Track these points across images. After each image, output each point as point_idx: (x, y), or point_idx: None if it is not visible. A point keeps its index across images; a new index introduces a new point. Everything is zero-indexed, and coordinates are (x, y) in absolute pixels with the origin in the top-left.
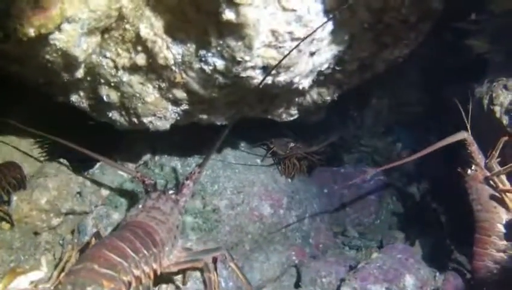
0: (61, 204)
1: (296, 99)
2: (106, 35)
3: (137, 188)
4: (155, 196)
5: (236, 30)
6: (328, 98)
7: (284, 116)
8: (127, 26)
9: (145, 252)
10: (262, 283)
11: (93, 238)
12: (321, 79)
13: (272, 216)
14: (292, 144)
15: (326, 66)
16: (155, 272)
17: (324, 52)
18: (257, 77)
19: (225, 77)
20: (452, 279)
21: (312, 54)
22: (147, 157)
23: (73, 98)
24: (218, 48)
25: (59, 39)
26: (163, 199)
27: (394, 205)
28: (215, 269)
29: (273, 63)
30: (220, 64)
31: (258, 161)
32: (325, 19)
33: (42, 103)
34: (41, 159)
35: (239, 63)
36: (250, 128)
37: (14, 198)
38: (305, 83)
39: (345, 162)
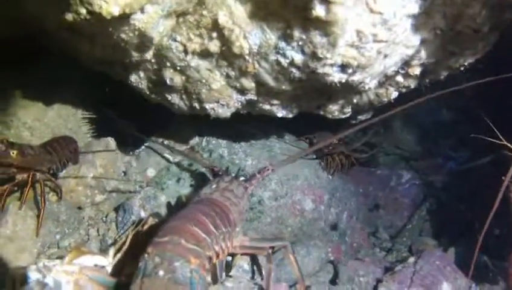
0: (107, 182)
1: (354, 98)
2: (181, 19)
3: (183, 172)
4: (228, 179)
5: (323, 27)
6: (385, 99)
7: (336, 113)
8: (205, 12)
9: (223, 229)
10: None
11: (151, 218)
12: (383, 80)
13: (313, 212)
14: (335, 141)
15: (393, 68)
16: (228, 250)
17: (395, 55)
18: (333, 74)
19: (300, 72)
20: None
21: (385, 56)
22: (194, 142)
23: (133, 78)
24: (300, 43)
25: (139, 20)
26: (236, 183)
27: (428, 211)
28: None
29: (352, 62)
30: (298, 58)
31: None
32: (408, 24)
33: (93, 79)
34: (89, 135)
35: (319, 59)
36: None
37: (63, 171)
38: (372, 84)
39: (380, 164)
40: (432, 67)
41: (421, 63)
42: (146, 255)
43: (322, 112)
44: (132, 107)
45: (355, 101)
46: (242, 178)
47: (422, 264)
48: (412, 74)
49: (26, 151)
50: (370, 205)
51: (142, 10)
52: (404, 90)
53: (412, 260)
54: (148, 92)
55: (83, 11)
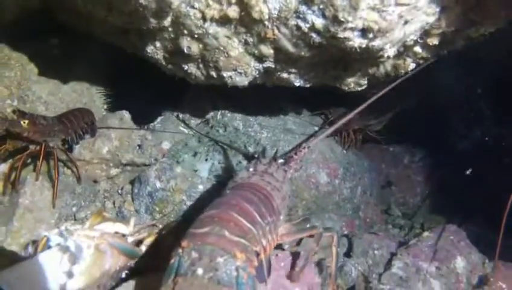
0: (122, 155)
1: (370, 69)
2: None
3: (200, 146)
4: (266, 161)
5: None
6: (402, 71)
7: (352, 85)
8: None
9: (269, 218)
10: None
11: None
12: (401, 50)
13: (328, 185)
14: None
15: (412, 37)
16: (274, 243)
17: (415, 22)
18: (353, 39)
19: (321, 37)
20: (503, 268)
21: (406, 22)
22: (209, 115)
23: (149, 48)
24: (321, 6)
25: None
26: (275, 166)
27: (440, 189)
28: None
29: (373, 26)
30: (319, 22)
31: (316, 128)
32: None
33: (106, 54)
34: (104, 108)
35: (340, 23)
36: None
37: (78, 144)
38: (391, 52)
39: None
40: (451, 37)
41: (440, 32)
42: (180, 250)
43: (338, 84)
44: (146, 80)
45: (371, 72)
46: (280, 160)
47: (437, 238)
48: (430, 43)
49: (38, 121)
50: (383, 181)
51: None
52: (421, 61)
53: (426, 234)
54: (164, 62)
55: None
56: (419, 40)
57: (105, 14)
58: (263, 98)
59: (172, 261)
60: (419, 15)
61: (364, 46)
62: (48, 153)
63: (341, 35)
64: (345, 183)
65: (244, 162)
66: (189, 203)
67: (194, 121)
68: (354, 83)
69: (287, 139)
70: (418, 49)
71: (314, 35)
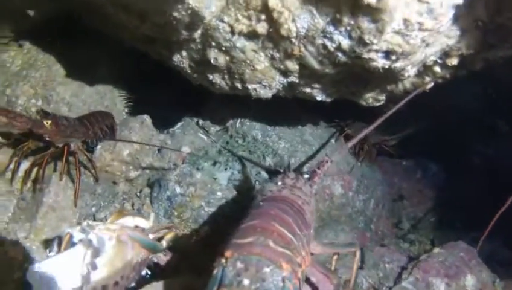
0: (142, 158)
1: (389, 86)
2: (230, 0)
3: (220, 156)
4: (293, 176)
5: (373, 14)
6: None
7: (370, 100)
8: None
9: (304, 231)
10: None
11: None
12: (421, 70)
13: (342, 197)
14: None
15: (432, 57)
16: (308, 257)
17: (436, 45)
18: (377, 60)
19: (346, 56)
20: None
21: (428, 44)
22: (228, 123)
23: (175, 58)
24: (348, 28)
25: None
26: (302, 180)
27: (452, 205)
28: None
29: (397, 49)
30: (345, 43)
31: (333, 140)
32: (451, 14)
33: (130, 58)
34: (125, 112)
35: (366, 44)
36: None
37: (98, 147)
38: (412, 72)
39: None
40: (470, 58)
41: (460, 54)
42: (223, 260)
43: (356, 99)
44: (168, 85)
45: (390, 88)
46: (306, 175)
47: (447, 255)
48: (449, 64)
49: (61, 121)
50: (394, 195)
51: None
52: (439, 80)
53: (436, 250)
54: (189, 71)
55: None
56: (438, 60)
57: (136, 25)
58: (281, 107)
59: (215, 271)
60: (440, 38)
61: (387, 66)
62: (69, 153)
63: (366, 56)
64: (359, 196)
65: (263, 173)
66: (207, 209)
67: (213, 128)
68: (372, 98)
69: (304, 150)
70: (437, 68)
71: (339, 54)
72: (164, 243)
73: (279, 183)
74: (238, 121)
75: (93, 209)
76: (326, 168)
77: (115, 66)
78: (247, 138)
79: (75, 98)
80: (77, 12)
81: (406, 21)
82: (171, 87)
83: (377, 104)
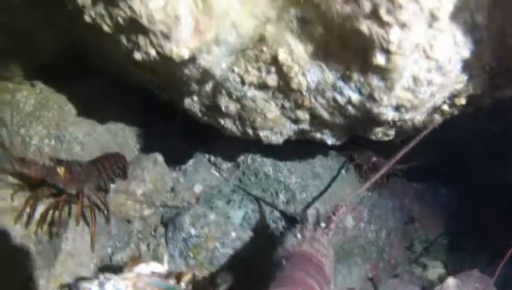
0: (156, 197)
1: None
2: (240, 54)
3: (234, 194)
4: (311, 227)
5: (382, 73)
6: (429, 125)
7: (380, 135)
8: (264, 48)
9: (325, 288)
10: None
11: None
12: (429, 112)
13: (354, 229)
14: (375, 159)
15: (441, 100)
16: None
17: (445, 92)
18: (387, 113)
19: (356, 109)
20: None
21: (436, 94)
22: (239, 159)
23: (186, 102)
24: (358, 84)
25: (205, 59)
26: (320, 231)
27: (465, 227)
28: None
29: (407, 104)
30: (355, 98)
31: (343, 171)
32: (460, 66)
33: (140, 96)
34: (136, 149)
35: (375, 100)
36: None
37: (112, 186)
38: (421, 118)
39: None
40: (478, 97)
41: (468, 95)
42: None
43: (366, 135)
44: (179, 121)
45: (399, 125)
46: (323, 224)
47: (461, 286)
48: (458, 104)
49: (74, 168)
50: (405, 217)
51: (208, 51)
52: (448, 116)
53: (451, 280)
54: (200, 115)
55: (153, 52)
56: (447, 100)
57: (148, 78)
58: (291, 142)
59: None
60: (449, 87)
61: (396, 119)
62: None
63: (376, 110)
64: (370, 226)
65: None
66: (222, 250)
67: (225, 165)
68: (381, 133)
69: (315, 184)
70: (445, 107)
71: (349, 107)
72: (183, 285)
73: (299, 236)
74: (250, 157)
75: (109, 250)
76: (341, 214)
77: (125, 103)
78: (259, 175)
79: (88, 137)
80: (89, 53)
81: (415, 78)
82: (182, 122)
83: (386, 138)
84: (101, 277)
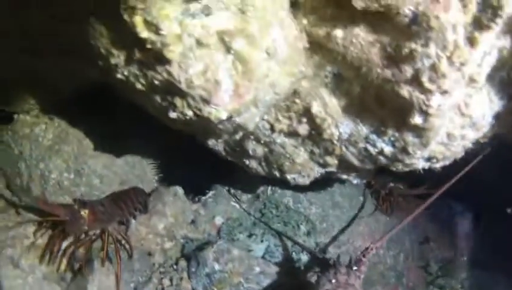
0: (177, 231)
1: None
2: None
3: (255, 228)
4: (344, 271)
5: (419, 131)
6: (453, 157)
7: (400, 167)
8: (297, 100)
9: None
10: None
11: None
12: None
13: (373, 256)
14: (391, 184)
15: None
16: None
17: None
18: (418, 164)
19: (387, 159)
20: None
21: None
22: (259, 190)
23: (210, 142)
24: (392, 138)
25: (241, 117)
26: (353, 275)
27: (482, 244)
28: None
29: (439, 156)
30: (387, 150)
31: (361, 198)
32: (491, 120)
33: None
34: (155, 181)
35: (408, 154)
36: None
37: (133, 221)
38: (448, 163)
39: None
40: (503, 135)
41: (494, 134)
42: None
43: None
44: (198, 154)
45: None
46: (355, 267)
47: None
48: (481, 141)
49: (97, 208)
50: (420, 237)
51: (246, 111)
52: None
53: None
54: (224, 154)
55: (190, 113)
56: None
57: (180, 127)
58: None
59: None
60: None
61: (426, 167)
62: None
63: (408, 161)
64: (389, 252)
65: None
66: (246, 285)
67: (245, 196)
68: (402, 165)
69: (335, 214)
70: (470, 145)
71: (381, 157)
72: None
73: (334, 281)
74: (269, 188)
75: (132, 285)
76: (371, 255)
77: (143, 135)
78: (280, 207)
79: (107, 170)
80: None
81: (449, 135)
82: (201, 154)
83: (407, 169)
84: None
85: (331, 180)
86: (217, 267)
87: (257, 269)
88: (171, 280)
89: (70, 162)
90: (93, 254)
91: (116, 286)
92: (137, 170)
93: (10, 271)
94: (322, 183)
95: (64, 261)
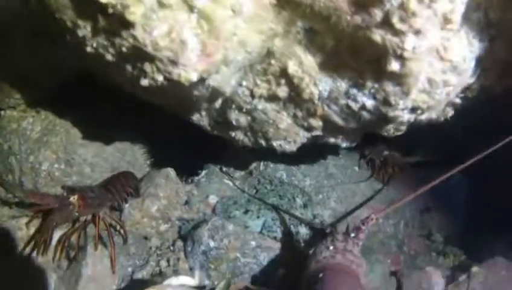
0: (171, 212)
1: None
2: (247, 68)
3: (250, 204)
4: (342, 238)
5: (397, 79)
6: (442, 118)
7: (392, 131)
8: (272, 61)
9: None
10: None
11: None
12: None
13: (373, 225)
14: (386, 152)
15: (453, 95)
16: None
17: (458, 88)
18: (403, 116)
19: (371, 114)
20: None
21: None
22: (252, 166)
23: (195, 117)
24: (372, 90)
25: (214, 79)
26: (350, 242)
27: (480, 210)
28: None
29: (422, 105)
30: (369, 103)
31: (356, 168)
32: (473, 63)
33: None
34: (147, 166)
35: (391, 105)
36: None
37: (126, 206)
38: (435, 116)
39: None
40: (489, 88)
41: (479, 86)
42: None
43: (377, 131)
44: (187, 134)
45: (410, 120)
46: (352, 234)
47: (488, 274)
48: (470, 95)
49: (87, 194)
50: (421, 207)
51: (217, 72)
52: (460, 108)
53: (475, 269)
54: (209, 129)
55: (160, 78)
56: (459, 94)
57: (156, 100)
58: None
59: None
60: (463, 83)
61: (412, 120)
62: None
63: (391, 114)
64: (389, 221)
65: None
66: (243, 260)
67: (238, 173)
68: (393, 129)
69: (330, 185)
70: (458, 100)
71: (364, 113)
72: None
73: (331, 247)
74: (262, 163)
75: (129, 269)
76: (371, 225)
77: (131, 120)
78: (274, 181)
79: (97, 157)
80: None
81: (430, 80)
82: (191, 135)
83: (398, 133)
84: None
85: (323, 152)
86: (212, 244)
87: (253, 243)
88: (168, 261)
89: (60, 153)
90: (88, 240)
91: (112, 268)
92: (128, 156)
93: (5, 262)
94: (314, 156)
95: (59, 250)
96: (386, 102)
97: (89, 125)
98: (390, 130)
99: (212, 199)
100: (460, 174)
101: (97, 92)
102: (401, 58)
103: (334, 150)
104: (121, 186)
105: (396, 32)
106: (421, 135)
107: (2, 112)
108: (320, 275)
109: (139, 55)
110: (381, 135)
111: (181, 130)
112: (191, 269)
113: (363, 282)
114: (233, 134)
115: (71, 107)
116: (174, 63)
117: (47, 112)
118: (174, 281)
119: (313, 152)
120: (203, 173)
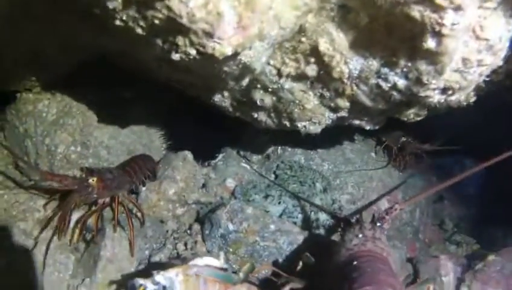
0: (188, 195)
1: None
2: (276, 46)
3: (270, 189)
4: (370, 226)
5: (432, 57)
6: (465, 103)
7: (412, 116)
8: (303, 39)
9: (400, 285)
10: None
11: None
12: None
13: None
14: (403, 138)
15: (484, 76)
16: None
17: (488, 71)
18: (434, 96)
19: (401, 94)
20: None
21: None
22: (269, 150)
23: (216, 98)
24: (405, 69)
25: (246, 55)
26: (378, 230)
27: (496, 200)
28: None
29: (454, 86)
30: (401, 83)
31: (373, 154)
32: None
33: (163, 94)
34: (163, 148)
35: (423, 84)
36: None
37: (143, 189)
38: (464, 97)
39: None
40: None
41: (506, 70)
42: None
43: (397, 116)
44: (205, 117)
45: (432, 105)
46: (378, 223)
47: (505, 262)
48: (495, 79)
49: (105, 176)
50: (434, 196)
51: (251, 47)
52: (483, 93)
53: (491, 257)
54: (231, 110)
55: (193, 52)
56: (486, 78)
57: (182, 77)
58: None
59: None
60: (496, 64)
61: (442, 100)
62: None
63: (422, 94)
64: (405, 208)
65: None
66: (262, 243)
67: (255, 157)
68: (413, 114)
69: (348, 170)
70: (482, 84)
71: (394, 93)
72: (241, 275)
73: (361, 235)
74: (279, 147)
75: (147, 252)
76: (395, 215)
77: (149, 102)
78: (293, 167)
79: (113, 140)
80: (110, 57)
81: (465, 60)
82: (208, 118)
83: (418, 118)
84: (155, 272)
85: (341, 137)
86: (231, 227)
87: (272, 226)
88: (185, 244)
89: (76, 135)
90: (105, 223)
91: (131, 250)
92: (144, 139)
93: (23, 243)
94: (332, 141)
95: (77, 232)
96: (418, 81)
97: (105, 107)
98: (410, 115)
99: (230, 183)
100: (475, 163)
101: (113, 75)
102: (438, 35)
103: (350, 135)
104: (139, 169)
105: (436, 8)
106: (439, 123)
107: (18, 94)
108: (355, 262)
109: (172, 27)
110: (398, 121)
111: (198, 113)
112: (209, 252)
113: (395, 269)
114: (255, 115)
115: (87, 89)
116: (209, 35)
117: (62, 94)
118: (199, 261)
119: (330, 137)
120: (221, 156)
